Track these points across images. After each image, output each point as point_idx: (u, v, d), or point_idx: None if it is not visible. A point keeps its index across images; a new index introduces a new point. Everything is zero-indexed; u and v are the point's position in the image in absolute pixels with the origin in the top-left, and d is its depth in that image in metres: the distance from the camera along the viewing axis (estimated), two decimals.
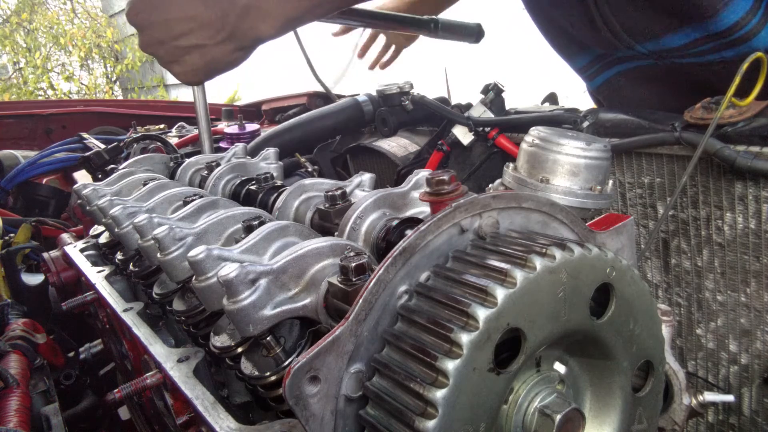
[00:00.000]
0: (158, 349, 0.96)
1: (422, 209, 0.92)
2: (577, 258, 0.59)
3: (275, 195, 1.13)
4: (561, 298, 0.58)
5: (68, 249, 1.52)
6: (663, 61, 1.31)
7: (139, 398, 1.23)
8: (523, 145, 0.93)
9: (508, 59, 4.81)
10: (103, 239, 1.46)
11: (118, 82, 11.73)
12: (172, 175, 1.50)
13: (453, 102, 1.81)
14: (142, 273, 1.17)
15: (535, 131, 0.92)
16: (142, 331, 1.03)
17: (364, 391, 0.58)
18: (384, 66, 2.15)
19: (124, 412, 1.55)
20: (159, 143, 1.94)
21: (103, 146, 2.01)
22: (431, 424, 0.51)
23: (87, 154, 1.96)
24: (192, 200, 1.09)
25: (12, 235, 2.00)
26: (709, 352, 1.27)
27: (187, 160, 1.47)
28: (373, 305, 0.58)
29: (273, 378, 0.74)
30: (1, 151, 2.69)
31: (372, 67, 2.15)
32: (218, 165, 1.33)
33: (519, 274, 0.55)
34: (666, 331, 0.78)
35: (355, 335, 0.57)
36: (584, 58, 1.50)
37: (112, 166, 1.81)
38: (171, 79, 10.23)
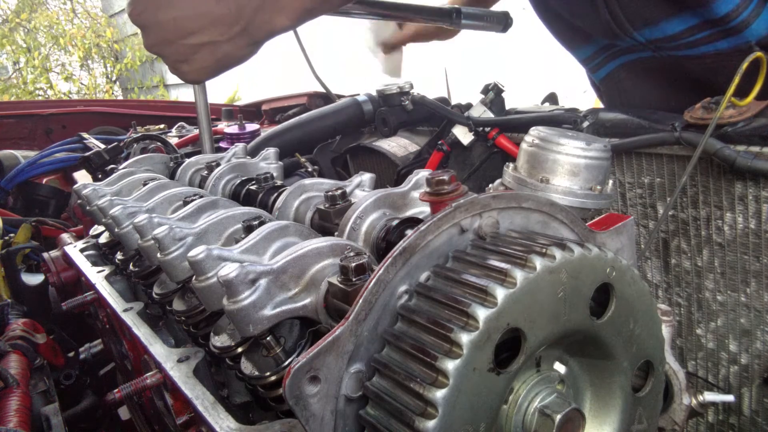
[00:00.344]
0: (158, 349, 0.96)
1: (422, 209, 0.92)
2: (577, 258, 0.59)
3: (275, 195, 1.13)
4: (561, 298, 0.58)
5: (68, 249, 1.52)
6: (660, 52, 1.32)
7: (139, 398, 1.23)
8: (523, 145, 0.93)
9: (508, 59, 4.81)
10: (103, 239, 1.46)
11: (118, 82, 11.73)
12: (172, 175, 1.50)
13: (453, 102, 1.81)
14: (142, 273, 1.17)
15: (535, 131, 0.92)
16: (142, 331, 1.03)
17: (364, 391, 0.58)
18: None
19: (124, 412, 1.55)
20: (159, 143, 1.94)
21: (103, 146, 2.01)
22: (431, 424, 0.51)
23: (87, 154, 1.96)
24: (192, 200, 1.09)
25: (12, 235, 2.00)
26: (709, 352, 1.27)
27: (187, 160, 1.47)
28: (373, 305, 0.58)
29: (273, 378, 0.74)
30: (1, 151, 2.69)
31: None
32: (218, 165, 1.33)
33: (519, 274, 0.55)
34: (666, 331, 0.78)
35: (355, 335, 0.57)
36: (588, 49, 1.51)
37: (112, 166, 1.81)
38: (171, 78, 10.23)
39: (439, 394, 0.51)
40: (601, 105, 1.74)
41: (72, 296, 1.38)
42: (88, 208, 1.31)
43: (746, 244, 1.14)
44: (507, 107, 1.63)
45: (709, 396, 0.84)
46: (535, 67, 4.73)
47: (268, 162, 1.39)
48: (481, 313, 0.53)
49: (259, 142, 1.84)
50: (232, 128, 2.33)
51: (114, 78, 11.65)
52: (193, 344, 1.00)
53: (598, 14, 1.31)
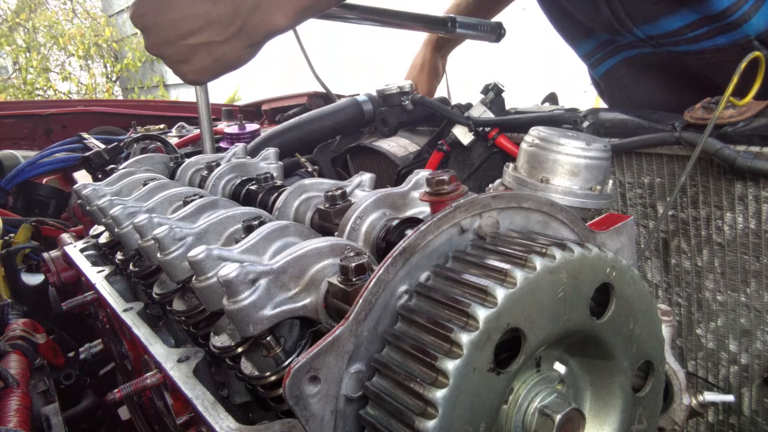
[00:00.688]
0: (158, 349, 0.96)
1: (422, 209, 0.92)
2: (577, 258, 0.59)
3: (275, 195, 1.13)
4: (561, 298, 0.58)
5: (68, 249, 1.52)
6: (660, 48, 1.32)
7: (139, 398, 1.23)
8: (523, 145, 0.93)
9: (508, 59, 4.81)
10: (103, 239, 1.46)
11: (118, 82, 11.73)
12: (172, 175, 1.50)
13: (453, 102, 1.81)
14: (142, 273, 1.17)
15: (535, 131, 0.92)
16: (142, 331, 1.03)
17: (364, 391, 0.58)
18: None
19: (124, 412, 1.55)
20: (159, 143, 1.94)
21: (103, 146, 2.01)
22: (431, 424, 0.51)
23: (87, 154, 1.96)
24: (192, 200, 1.09)
25: (12, 235, 2.00)
26: (709, 352, 1.27)
27: (187, 160, 1.47)
28: (373, 305, 0.58)
29: (273, 378, 0.74)
30: (1, 151, 2.69)
31: None
32: (218, 165, 1.33)
33: (519, 274, 0.55)
34: (666, 331, 0.78)
35: (355, 335, 0.57)
36: (588, 44, 1.52)
37: (112, 166, 1.81)
38: (171, 78, 10.23)
39: (439, 394, 0.51)
40: (601, 104, 1.74)
41: (72, 296, 1.38)
42: (88, 208, 1.31)
43: (746, 244, 1.14)
44: (507, 107, 1.63)
45: (709, 396, 0.84)
46: (535, 67, 4.73)
47: (268, 162, 1.39)
48: (481, 313, 0.53)
49: (259, 142, 1.84)
50: (232, 128, 2.33)
51: (114, 78, 11.65)
52: (193, 344, 1.00)
53: (599, 10, 1.32)
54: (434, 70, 2.01)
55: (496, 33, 1.83)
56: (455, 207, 0.63)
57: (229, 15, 0.93)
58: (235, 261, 0.73)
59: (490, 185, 1.02)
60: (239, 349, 0.83)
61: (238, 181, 1.28)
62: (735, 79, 1.01)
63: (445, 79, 2.13)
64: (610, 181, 0.93)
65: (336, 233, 0.88)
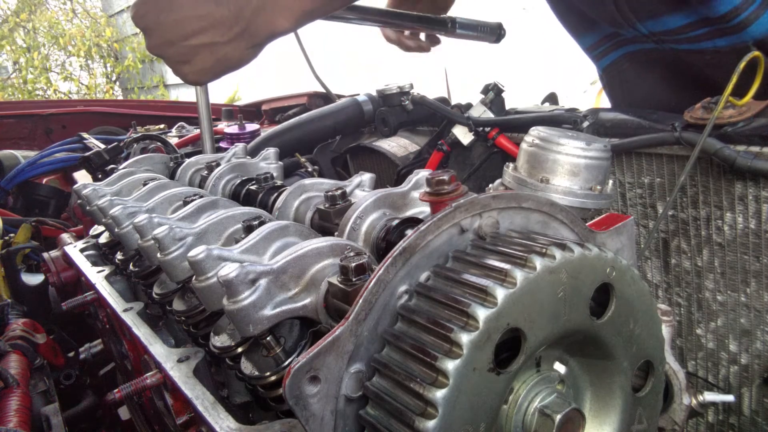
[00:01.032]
0: (158, 349, 0.96)
1: (422, 209, 0.92)
2: (577, 258, 0.59)
3: (275, 195, 1.13)
4: (561, 298, 0.58)
5: (68, 249, 1.52)
6: (663, 45, 1.32)
7: (139, 398, 1.23)
8: (523, 145, 0.93)
9: (508, 59, 4.81)
10: (103, 239, 1.46)
11: (118, 82, 11.73)
12: (172, 175, 1.50)
13: (453, 102, 1.81)
14: (142, 273, 1.17)
15: (535, 131, 0.92)
16: (142, 331, 1.03)
17: (364, 391, 0.58)
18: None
19: (124, 412, 1.55)
20: (159, 143, 1.94)
21: (103, 146, 2.01)
22: (431, 424, 0.51)
23: (87, 154, 1.96)
24: (192, 200, 1.09)
25: (12, 235, 2.00)
26: (709, 352, 1.27)
27: (187, 160, 1.47)
28: (373, 305, 0.58)
29: (273, 378, 0.74)
30: (1, 151, 2.69)
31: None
32: (218, 165, 1.33)
33: (519, 274, 0.55)
34: (666, 331, 0.78)
35: (355, 335, 0.57)
36: (592, 36, 1.52)
37: (112, 166, 1.81)
38: (171, 78, 10.23)
39: (439, 394, 0.51)
40: (601, 104, 1.74)
41: (72, 296, 1.38)
42: (88, 208, 1.31)
43: (746, 244, 1.14)
44: (507, 107, 1.63)
45: (709, 396, 0.84)
46: (535, 67, 4.73)
47: (268, 162, 1.39)
48: (481, 313, 0.53)
49: (259, 142, 1.84)
50: (232, 128, 2.33)
51: (114, 78, 11.65)
52: (193, 344, 1.00)
53: (604, 3, 1.32)
54: None
55: (496, 34, 1.83)
56: (455, 207, 0.63)
57: (232, 16, 0.93)
58: (235, 261, 0.73)
59: (490, 185, 1.03)
60: (239, 349, 0.83)
61: (238, 181, 1.28)
62: (734, 79, 1.01)
63: (445, 79, 2.13)
64: (610, 181, 0.93)
65: (336, 233, 0.88)
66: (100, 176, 1.83)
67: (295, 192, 1.05)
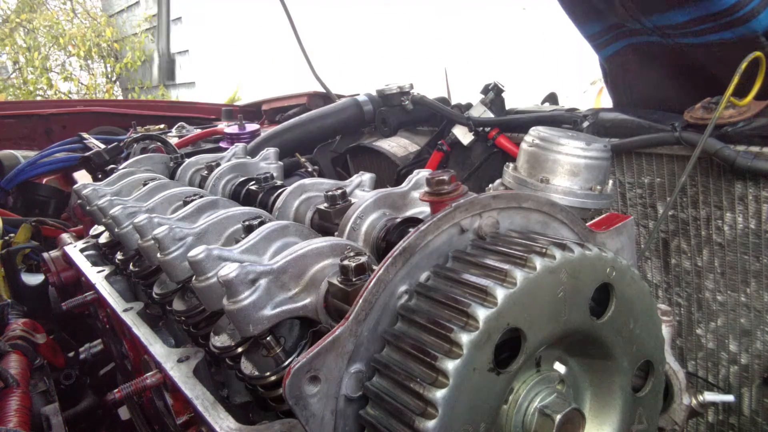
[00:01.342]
0: (158, 349, 0.96)
1: (422, 209, 0.92)
2: (577, 258, 0.59)
3: (275, 195, 1.13)
4: (561, 298, 0.58)
5: (68, 249, 1.52)
6: (668, 39, 1.32)
7: (139, 398, 1.23)
8: (523, 145, 0.93)
9: (508, 59, 4.81)
10: (103, 239, 1.46)
11: (118, 82, 11.72)
12: (172, 175, 1.50)
13: (453, 102, 1.81)
14: (142, 273, 1.17)
15: (535, 131, 0.92)
16: (142, 331, 1.03)
17: (364, 391, 0.58)
18: None
19: (124, 412, 1.55)
20: (159, 143, 1.94)
21: (103, 146, 2.01)
22: (431, 424, 0.51)
23: (87, 154, 1.96)
24: (192, 200, 1.09)
25: (12, 235, 2.00)
26: (709, 352, 1.27)
27: (187, 160, 1.47)
28: (373, 305, 0.58)
29: (273, 378, 0.74)
30: (1, 151, 2.69)
31: None
32: (218, 165, 1.33)
33: (519, 274, 0.55)
34: (666, 331, 0.78)
35: (355, 335, 0.57)
36: (596, 25, 1.51)
37: (112, 166, 1.81)
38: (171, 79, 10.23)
39: (439, 394, 0.51)
40: (601, 104, 1.74)
41: (72, 296, 1.38)
42: (88, 208, 1.31)
43: (746, 244, 1.14)
44: (507, 107, 1.63)
45: (709, 396, 0.84)
46: (535, 67, 4.73)
47: (268, 162, 1.39)
48: (481, 313, 0.53)
49: (259, 142, 1.84)
50: (232, 128, 2.33)
51: (114, 78, 11.65)
52: (193, 344, 0.99)
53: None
54: None
55: None
56: (455, 207, 0.63)
57: None
58: (235, 261, 0.73)
59: (490, 185, 1.03)
60: (239, 349, 0.83)
61: (238, 181, 1.28)
62: (736, 79, 1.01)
63: (445, 79, 2.13)
64: (610, 181, 0.93)
65: (336, 233, 0.88)
66: (100, 176, 1.83)
67: (295, 192, 1.05)
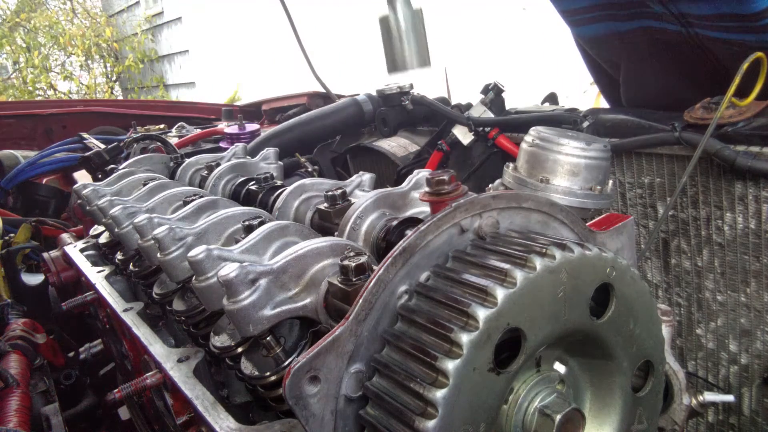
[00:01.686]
0: (158, 349, 0.96)
1: (422, 209, 0.92)
2: (577, 258, 0.59)
3: (275, 195, 1.13)
4: (561, 298, 0.58)
5: (68, 249, 1.52)
6: (689, 29, 1.29)
7: (139, 398, 1.23)
8: (523, 145, 0.93)
9: (508, 59, 4.81)
10: (103, 239, 1.46)
11: (118, 82, 11.72)
12: (172, 175, 1.50)
13: (453, 102, 1.81)
14: (142, 273, 1.17)
15: (535, 131, 0.92)
16: (142, 331, 1.03)
17: (364, 391, 0.58)
18: None
19: (124, 412, 1.55)
20: (159, 143, 1.94)
21: (103, 146, 2.01)
22: (431, 424, 0.51)
23: (87, 154, 1.96)
24: (192, 200, 1.09)
25: (12, 235, 2.00)
26: (709, 352, 1.27)
27: (187, 160, 1.47)
28: (373, 305, 0.58)
29: (273, 378, 0.74)
30: (1, 151, 2.69)
31: None
32: (218, 165, 1.33)
33: (519, 274, 0.55)
34: (666, 331, 0.78)
35: (355, 335, 0.57)
36: (580, 0, 1.45)
37: (112, 166, 1.81)
38: (171, 78, 10.24)
39: (439, 394, 0.51)
40: (601, 104, 1.74)
41: (72, 296, 1.39)
42: (88, 208, 1.31)
43: (746, 244, 1.14)
44: (507, 107, 1.63)
45: (709, 396, 0.84)
46: (535, 67, 4.73)
47: (268, 162, 1.39)
48: (481, 313, 0.53)
49: (259, 142, 1.84)
50: (232, 128, 2.34)
51: (114, 78, 11.65)
52: (193, 344, 1.00)
53: None
54: None
55: None
56: (455, 207, 0.63)
57: None
58: (235, 261, 0.73)
59: (490, 185, 1.03)
60: (239, 349, 0.83)
61: (238, 181, 1.28)
62: (737, 80, 1.01)
63: (445, 79, 2.13)
64: (610, 181, 0.93)
65: (336, 233, 0.88)
66: (100, 176, 1.83)
67: (295, 192, 1.05)
